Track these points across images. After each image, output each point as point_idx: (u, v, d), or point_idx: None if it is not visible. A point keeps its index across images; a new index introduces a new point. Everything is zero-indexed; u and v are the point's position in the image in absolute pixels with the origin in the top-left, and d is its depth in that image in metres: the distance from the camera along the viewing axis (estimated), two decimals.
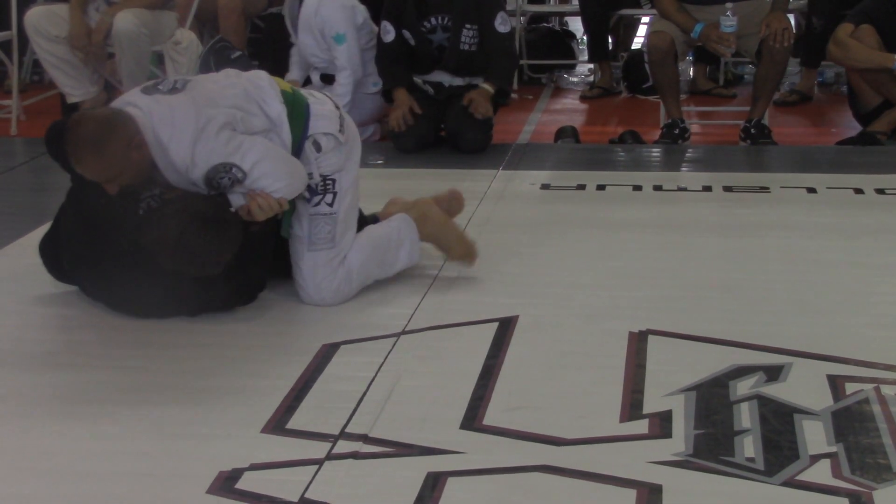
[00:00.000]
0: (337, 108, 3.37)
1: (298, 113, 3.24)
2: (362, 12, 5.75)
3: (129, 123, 3.04)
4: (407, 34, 5.42)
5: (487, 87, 5.44)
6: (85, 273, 3.30)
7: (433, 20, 5.35)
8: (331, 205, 3.30)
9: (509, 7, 7.77)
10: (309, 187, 3.27)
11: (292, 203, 3.26)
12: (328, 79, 5.95)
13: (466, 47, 5.39)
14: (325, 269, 3.32)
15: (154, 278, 3.11)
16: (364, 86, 5.78)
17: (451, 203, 3.85)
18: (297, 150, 3.24)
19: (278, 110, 3.18)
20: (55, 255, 3.38)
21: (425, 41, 5.41)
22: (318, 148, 3.26)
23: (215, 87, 3.16)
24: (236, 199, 3.14)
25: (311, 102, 3.30)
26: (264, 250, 3.31)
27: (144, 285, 3.16)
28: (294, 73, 6.06)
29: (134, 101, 3.11)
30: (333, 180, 3.30)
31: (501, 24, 5.35)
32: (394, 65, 5.52)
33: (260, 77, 3.28)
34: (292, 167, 3.19)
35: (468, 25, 5.34)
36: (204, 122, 3.03)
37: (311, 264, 3.32)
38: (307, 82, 6.01)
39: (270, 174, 3.11)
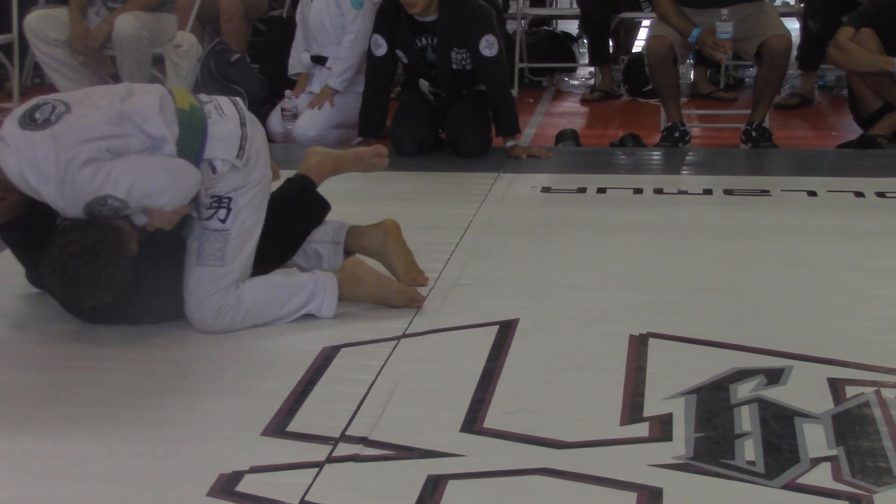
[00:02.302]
0: (243, 124, 3.16)
1: (194, 133, 3.08)
2: None
3: None
4: (400, 53, 5.41)
5: (511, 142, 5.45)
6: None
7: (423, 40, 5.34)
8: (223, 221, 3.12)
9: (510, 10, 7.81)
10: (201, 202, 3.13)
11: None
12: (319, 60, 5.99)
13: (458, 66, 5.36)
14: (209, 287, 3.13)
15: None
16: (356, 83, 5.79)
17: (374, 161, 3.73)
18: None
19: (161, 131, 3.00)
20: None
21: (419, 59, 5.40)
22: (213, 170, 3.11)
23: (86, 121, 2.96)
24: (138, 220, 3.04)
25: (211, 122, 3.12)
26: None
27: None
28: (303, 58, 6.10)
29: (6, 136, 2.96)
30: (229, 198, 3.13)
31: (487, 47, 5.25)
32: (375, 107, 5.54)
33: (149, 95, 3.09)
34: (174, 174, 3.00)
35: (456, 49, 5.32)
36: (64, 164, 2.87)
37: (197, 279, 3.14)
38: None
39: (151, 193, 2.96)
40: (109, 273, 2.96)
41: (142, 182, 2.94)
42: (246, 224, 3.17)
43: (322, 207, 3.58)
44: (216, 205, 3.13)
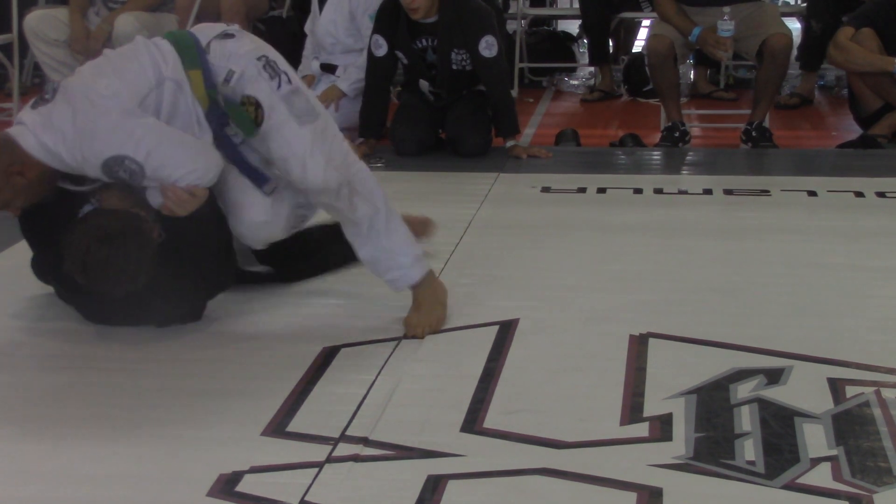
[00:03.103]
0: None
1: (188, 48, 3.05)
2: None
3: (4, 150, 2.96)
4: (400, 53, 5.41)
5: (511, 142, 5.46)
6: (58, 289, 3.32)
7: (423, 41, 5.35)
8: (290, 82, 3.06)
9: (510, 10, 7.81)
10: (257, 75, 3.04)
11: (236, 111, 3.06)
12: (328, 68, 6.03)
13: (458, 67, 5.37)
14: (322, 140, 3.06)
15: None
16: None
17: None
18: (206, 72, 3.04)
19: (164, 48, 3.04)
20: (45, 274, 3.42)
21: (419, 60, 5.40)
22: (229, 35, 3.08)
23: (88, 72, 3.02)
24: (154, 198, 3.02)
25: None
26: (210, 246, 3.19)
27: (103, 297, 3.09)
28: (312, 65, 6.15)
29: (21, 119, 3.03)
30: (275, 60, 3.07)
31: (486, 48, 5.26)
32: (375, 108, 5.54)
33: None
34: (196, 150, 3.00)
35: (456, 49, 5.33)
36: (81, 116, 2.91)
37: (308, 140, 3.04)
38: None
39: (169, 163, 2.94)
40: (136, 260, 2.93)
41: (162, 149, 2.94)
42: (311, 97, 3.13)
43: (344, 257, 3.54)
44: (273, 72, 3.05)
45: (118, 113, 2.92)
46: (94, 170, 2.95)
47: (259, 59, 3.07)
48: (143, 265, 2.95)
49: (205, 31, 3.14)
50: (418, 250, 3.26)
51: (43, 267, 3.38)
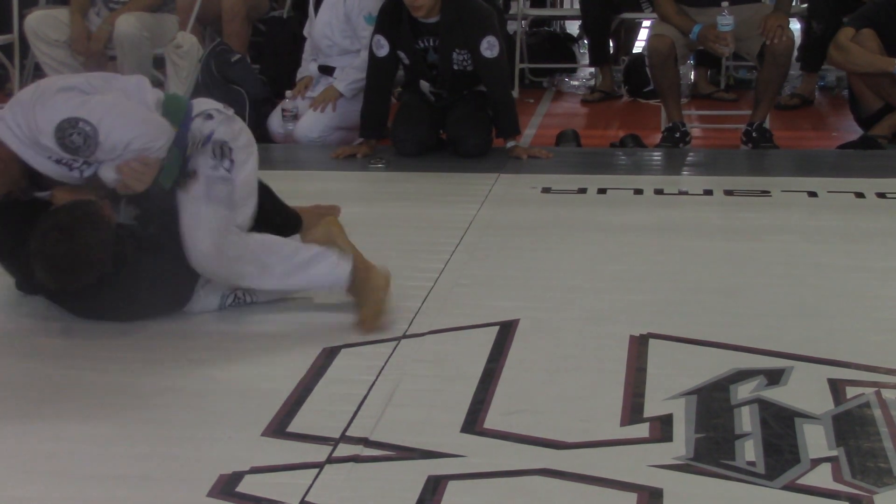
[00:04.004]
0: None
1: (175, 110, 3.18)
2: None
3: None
4: (401, 54, 5.41)
5: (511, 143, 5.46)
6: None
7: (425, 41, 5.35)
8: (228, 171, 3.18)
9: (511, 11, 7.81)
10: (206, 152, 3.16)
11: (175, 161, 3.13)
12: (326, 70, 6.03)
13: (459, 67, 5.37)
14: (215, 223, 3.15)
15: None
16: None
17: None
18: (180, 135, 3.14)
19: (143, 92, 3.16)
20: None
21: (420, 60, 5.40)
22: (210, 117, 3.18)
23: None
24: (107, 174, 3.08)
25: (193, 101, 3.28)
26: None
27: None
28: (310, 67, 6.15)
29: (1, 114, 3.13)
30: (231, 148, 3.19)
31: (488, 49, 5.26)
32: (376, 108, 5.54)
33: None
34: (148, 116, 3.10)
35: (458, 50, 5.33)
36: (43, 89, 3.05)
37: (205, 216, 3.15)
38: None
39: (121, 125, 3.02)
40: (95, 244, 2.99)
41: (114, 113, 3.04)
42: (247, 180, 3.24)
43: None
44: (219, 154, 3.17)
45: (75, 90, 3.05)
46: (47, 138, 3.00)
47: (215, 143, 3.18)
48: (104, 246, 3.01)
49: (201, 105, 3.24)
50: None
51: (24, 282, 3.38)
